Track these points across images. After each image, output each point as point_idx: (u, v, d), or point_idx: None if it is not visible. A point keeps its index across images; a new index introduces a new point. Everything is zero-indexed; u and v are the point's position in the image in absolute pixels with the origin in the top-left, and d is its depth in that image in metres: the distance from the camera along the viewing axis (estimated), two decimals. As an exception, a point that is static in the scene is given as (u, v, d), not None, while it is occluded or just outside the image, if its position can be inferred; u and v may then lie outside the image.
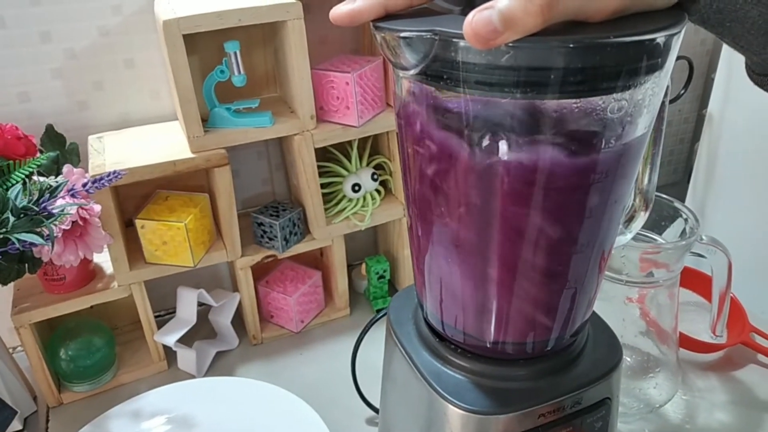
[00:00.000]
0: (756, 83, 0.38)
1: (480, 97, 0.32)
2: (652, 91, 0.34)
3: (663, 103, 0.42)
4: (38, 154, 0.65)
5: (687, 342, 0.74)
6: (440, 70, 0.33)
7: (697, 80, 1.09)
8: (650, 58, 0.32)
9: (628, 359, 0.67)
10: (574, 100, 0.32)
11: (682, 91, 0.93)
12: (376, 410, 0.67)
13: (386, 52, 0.35)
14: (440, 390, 0.44)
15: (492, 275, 0.40)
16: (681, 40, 0.33)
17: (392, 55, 0.35)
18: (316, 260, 0.86)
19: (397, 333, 0.50)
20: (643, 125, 0.35)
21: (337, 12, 0.35)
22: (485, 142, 0.34)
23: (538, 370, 0.44)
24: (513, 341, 0.43)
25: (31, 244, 0.55)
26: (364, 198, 0.79)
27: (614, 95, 0.32)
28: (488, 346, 0.44)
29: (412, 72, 0.34)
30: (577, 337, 0.46)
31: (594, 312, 0.50)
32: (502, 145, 0.34)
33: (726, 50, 0.93)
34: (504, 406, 0.42)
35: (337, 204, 0.79)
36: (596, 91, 0.32)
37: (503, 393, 0.43)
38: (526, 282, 0.40)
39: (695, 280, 0.81)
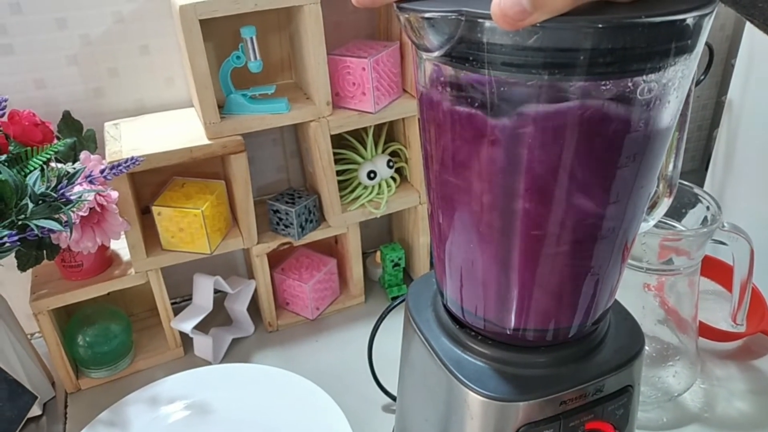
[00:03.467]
0: (726, 3, 0.36)
1: (506, 78, 0.32)
2: (682, 74, 0.33)
3: (689, 88, 0.42)
4: (55, 141, 0.65)
5: (706, 331, 0.73)
6: (465, 51, 0.32)
7: (717, 66, 1.08)
8: (680, 40, 0.31)
9: (647, 348, 0.66)
10: (602, 82, 0.31)
11: (702, 77, 0.91)
12: (392, 397, 0.67)
13: (410, 34, 0.35)
14: (461, 376, 0.43)
15: (515, 260, 0.39)
16: (711, 21, 0.33)
17: (416, 36, 0.34)
18: (331, 248, 0.86)
19: (416, 320, 0.49)
20: (672, 109, 0.35)
21: (359, -7, 0.34)
22: (510, 121, 0.33)
23: (560, 357, 0.44)
24: (534, 328, 0.43)
25: (50, 230, 0.56)
26: (380, 185, 0.79)
27: (643, 77, 0.31)
28: (509, 332, 0.43)
29: (436, 54, 0.33)
30: (599, 324, 0.46)
31: (616, 300, 0.50)
32: (528, 125, 0.33)
33: (747, 36, 0.91)
34: (525, 392, 0.42)
35: (352, 191, 0.78)
36: (625, 73, 0.31)
37: (524, 380, 0.43)
38: (549, 268, 0.39)
39: (714, 269, 0.80)
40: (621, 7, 0.29)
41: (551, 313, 0.42)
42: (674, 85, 0.33)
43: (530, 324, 0.43)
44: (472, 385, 0.43)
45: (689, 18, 0.31)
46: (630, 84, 0.31)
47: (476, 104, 0.34)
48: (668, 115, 0.35)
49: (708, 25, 0.33)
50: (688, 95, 0.42)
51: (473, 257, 0.42)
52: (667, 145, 0.38)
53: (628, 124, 0.33)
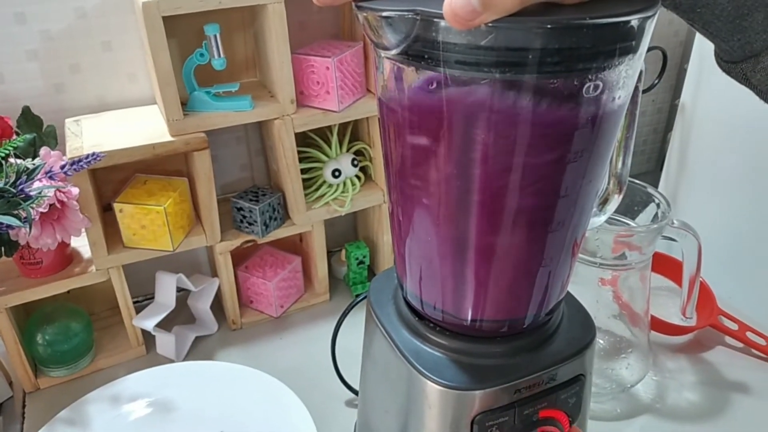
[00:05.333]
0: (724, 70, 0.39)
1: (460, 75, 0.33)
2: (626, 74, 0.35)
3: (637, 88, 0.44)
4: (14, 137, 0.64)
5: (658, 325, 0.76)
6: (421, 50, 0.33)
7: (671, 71, 1.12)
8: (624, 41, 0.33)
9: (601, 341, 0.69)
10: (550, 80, 0.33)
11: (656, 81, 0.94)
12: (355, 392, 0.68)
13: (368, 32, 0.36)
14: (419, 367, 0.44)
15: (470, 254, 0.41)
16: (654, 23, 0.34)
17: (374, 35, 0.35)
18: (296, 246, 0.87)
19: (377, 313, 0.50)
20: (617, 106, 0.36)
21: (320, -8, 0.35)
22: (463, 118, 0.35)
23: (515, 347, 0.45)
24: (490, 319, 0.44)
25: (8, 226, 0.55)
26: (344, 184, 0.80)
27: (589, 76, 0.33)
28: (466, 324, 0.45)
29: (393, 52, 0.35)
30: (552, 315, 0.48)
31: (568, 292, 0.52)
32: (480, 121, 0.34)
33: (698, 41, 0.95)
34: (481, 381, 0.43)
35: (317, 189, 0.79)
36: (572, 72, 0.32)
37: (481, 369, 0.44)
38: (502, 261, 0.41)
39: (667, 265, 0.83)
40: (567, 8, 0.31)
41: (506, 304, 0.44)
42: (619, 84, 0.35)
43: (486, 315, 0.44)
44: (431, 375, 0.44)
45: (633, 20, 0.32)
46: (577, 82, 0.33)
47: (432, 102, 0.35)
48: (614, 112, 0.37)
49: (651, 27, 0.34)
50: (635, 95, 0.44)
51: (431, 252, 0.43)
52: (614, 140, 0.40)
53: (575, 121, 0.35)
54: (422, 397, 0.45)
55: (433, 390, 0.44)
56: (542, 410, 0.45)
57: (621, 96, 0.36)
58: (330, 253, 0.88)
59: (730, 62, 0.38)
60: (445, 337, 0.46)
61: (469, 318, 0.44)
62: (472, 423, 0.44)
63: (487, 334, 0.45)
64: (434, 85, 0.35)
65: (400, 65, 0.36)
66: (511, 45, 0.31)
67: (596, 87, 0.34)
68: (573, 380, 0.47)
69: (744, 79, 0.38)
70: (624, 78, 0.35)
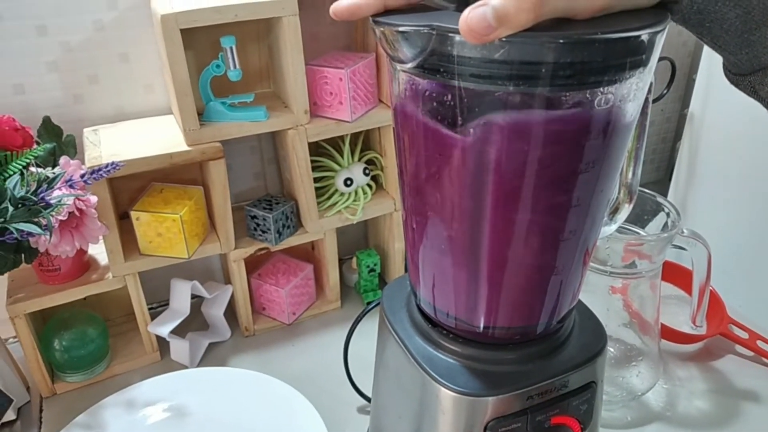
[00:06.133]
0: (732, 82, 0.40)
1: (474, 88, 0.34)
2: (637, 86, 0.36)
3: (647, 99, 0.45)
4: (35, 146, 0.65)
5: (668, 333, 0.76)
6: (437, 63, 0.34)
7: (680, 81, 1.12)
8: (635, 54, 0.34)
9: (612, 349, 0.69)
10: (563, 93, 0.34)
11: (665, 91, 0.95)
12: (367, 398, 0.69)
13: (385, 46, 0.37)
14: (433, 373, 0.45)
15: (483, 263, 0.42)
16: (664, 38, 0.35)
17: (390, 49, 0.36)
18: (308, 254, 0.88)
19: (390, 320, 0.51)
20: (628, 118, 0.37)
21: (338, 7, 0.36)
22: (478, 130, 0.36)
23: (527, 354, 0.46)
24: (502, 326, 0.45)
25: (29, 233, 0.56)
26: (356, 192, 0.81)
27: (601, 89, 0.34)
28: (479, 331, 0.45)
29: (409, 65, 0.36)
30: (564, 323, 0.48)
31: (580, 300, 0.52)
32: (494, 133, 0.35)
33: (707, 52, 0.95)
34: (494, 388, 0.44)
35: (329, 198, 0.80)
36: (584, 85, 0.33)
37: (493, 376, 0.45)
38: (515, 269, 0.42)
39: (677, 274, 0.84)
40: (578, 23, 0.32)
41: (518, 312, 0.45)
42: (630, 96, 0.36)
43: (499, 323, 0.45)
44: (444, 381, 0.44)
45: (643, 35, 0.33)
46: (588, 95, 0.34)
47: (447, 114, 0.36)
48: (625, 123, 0.37)
49: (661, 41, 0.35)
50: (645, 107, 0.45)
51: (444, 260, 0.44)
52: (625, 151, 0.41)
53: (587, 132, 0.36)
54: (435, 403, 0.46)
55: (446, 396, 0.45)
56: (554, 417, 0.46)
57: (631, 108, 0.37)
58: (341, 261, 0.89)
59: (738, 75, 0.38)
60: (458, 344, 0.46)
61: (482, 325, 0.45)
62: (485, 429, 0.44)
63: (500, 341, 0.46)
64: (449, 98, 0.36)
65: (416, 78, 0.37)
66: (524, 59, 0.32)
67: (607, 100, 0.35)
68: (584, 387, 0.47)
69: (752, 92, 0.38)
70: (634, 91, 0.36)
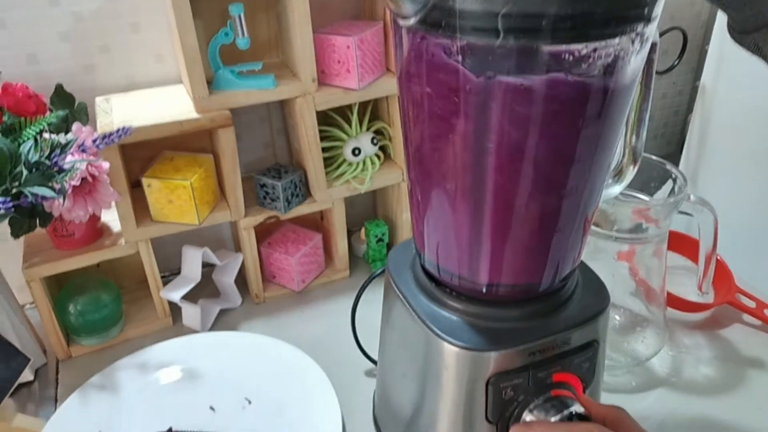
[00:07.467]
0: (736, 41, 0.39)
1: (476, 41, 0.34)
2: (639, 42, 0.36)
3: (651, 60, 0.45)
4: (48, 113, 0.66)
5: (674, 301, 0.76)
6: (438, 17, 0.35)
7: (692, 53, 1.11)
8: (636, 7, 0.34)
9: (618, 317, 0.70)
10: (564, 46, 0.34)
11: (676, 62, 0.94)
12: (374, 362, 0.70)
13: (388, 2, 0.37)
14: (437, 330, 0.46)
15: (486, 220, 0.42)
16: (667, -8, 0.35)
17: (393, 4, 0.37)
18: (317, 224, 0.89)
19: (396, 281, 0.52)
20: (630, 73, 0.37)
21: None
22: (480, 85, 0.36)
23: (530, 311, 0.47)
24: (505, 284, 0.46)
25: (43, 197, 0.58)
26: (364, 162, 0.81)
27: (602, 42, 0.34)
28: (482, 289, 0.46)
29: (412, 21, 0.36)
30: (567, 282, 0.49)
31: (583, 262, 0.53)
32: (496, 87, 0.36)
33: (719, 23, 0.94)
34: (496, 344, 0.45)
35: (337, 168, 0.81)
36: (585, 38, 0.34)
37: (496, 332, 0.46)
38: (518, 226, 0.42)
39: (684, 244, 0.84)
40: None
41: (521, 270, 0.45)
42: (633, 50, 0.36)
43: (502, 280, 0.46)
44: (447, 337, 0.45)
45: (644, -14, 0.33)
46: (589, 49, 0.34)
47: (449, 72, 0.37)
48: (626, 80, 0.38)
49: (663, -5, 0.35)
50: (650, 67, 0.45)
51: (447, 219, 0.44)
52: (627, 109, 0.41)
53: (588, 88, 0.36)
54: (439, 359, 0.47)
55: (449, 351, 0.46)
56: (556, 373, 0.47)
57: (634, 65, 0.37)
58: (350, 233, 0.90)
59: (742, 32, 0.38)
60: (461, 302, 0.47)
61: (485, 283, 0.46)
62: (487, 384, 0.45)
63: (503, 299, 0.47)
64: (452, 55, 0.36)
65: (419, 39, 0.38)
66: (526, 11, 0.33)
67: (608, 54, 0.35)
68: (586, 345, 0.48)
69: (756, 49, 0.38)
70: (637, 46, 0.36)
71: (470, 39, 0.34)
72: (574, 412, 0.44)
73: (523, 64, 0.35)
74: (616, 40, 0.35)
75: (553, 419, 0.45)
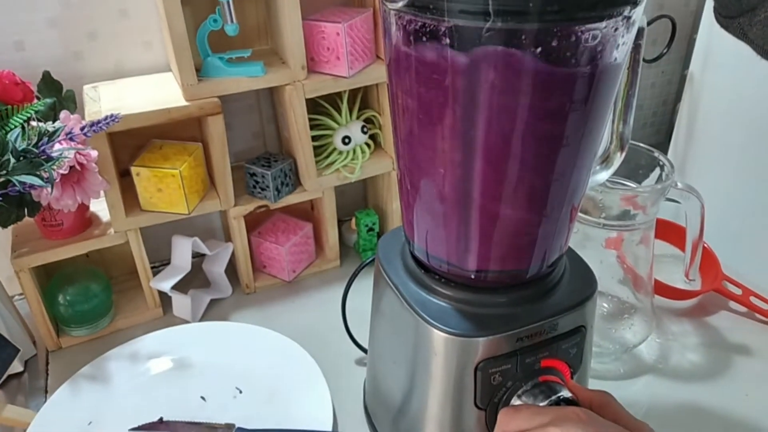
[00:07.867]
0: (722, 25, 0.40)
1: (464, 24, 0.34)
2: (626, 25, 0.36)
3: (638, 45, 0.45)
4: (35, 101, 0.66)
5: (662, 289, 0.77)
6: (426, 0, 0.35)
7: (681, 41, 1.11)
8: (623, -9, 0.34)
9: (606, 305, 0.70)
10: (551, 29, 0.34)
11: (665, 51, 0.94)
12: (364, 350, 0.70)
13: (376, -15, 0.37)
14: (425, 316, 0.46)
15: (474, 206, 0.42)
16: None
17: (381, -13, 0.37)
18: (308, 213, 0.89)
19: (385, 268, 0.52)
20: (617, 56, 0.38)
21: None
22: (468, 68, 0.36)
23: (517, 297, 0.47)
24: (493, 270, 0.46)
25: (31, 186, 0.57)
26: (354, 151, 0.81)
27: (589, 25, 0.34)
28: (470, 275, 0.46)
29: (400, 3, 0.36)
30: (555, 268, 0.49)
31: (571, 248, 0.53)
32: (483, 70, 0.36)
33: (708, 10, 0.94)
34: (484, 329, 0.45)
35: (327, 156, 0.81)
36: (572, 20, 0.34)
37: (484, 318, 0.46)
38: (506, 211, 0.42)
39: (672, 232, 0.84)
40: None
41: (508, 256, 0.46)
42: (619, 34, 0.36)
43: (490, 266, 0.46)
44: (436, 323, 0.46)
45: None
46: (576, 31, 0.34)
47: (438, 55, 0.37)
48: (613, 64, 0.38)
49: (650, -20, 0.35)
50: (637, 52, 0.45)
51: (436, 206, 0.44)
52: (614, 93, 0.41)
53: (575, 71, 0.36)
54: (428, 346, 0.47)
55: (438, 337, 0.46)
56: (544, 359, 0.47)
57: (620, 48, 0.37)
58: (340, 222, 0.90)
59: (727, 17, 0.39)
60: (450, 288, 0.48)
61: (474, 269, 0.46)
62: (475, 370, 0.46)
63: (491, 285, 0.47)
64: (439, 38, 0.36)
65: (407, 23, 0.37)
66: (513, -7, 0.33)
67: (595, 37, 0.35)
68: (574, 331, 0.48)
69: (741, 34, 0.39)
70: (623, 30, 0.36)
71: (458, 22, 0.34)
72: (561, 397, 0.45)
73: (510, 46, 0.35)
74: (603, 23, 0.35)
75: (541, 404, 0.45)
